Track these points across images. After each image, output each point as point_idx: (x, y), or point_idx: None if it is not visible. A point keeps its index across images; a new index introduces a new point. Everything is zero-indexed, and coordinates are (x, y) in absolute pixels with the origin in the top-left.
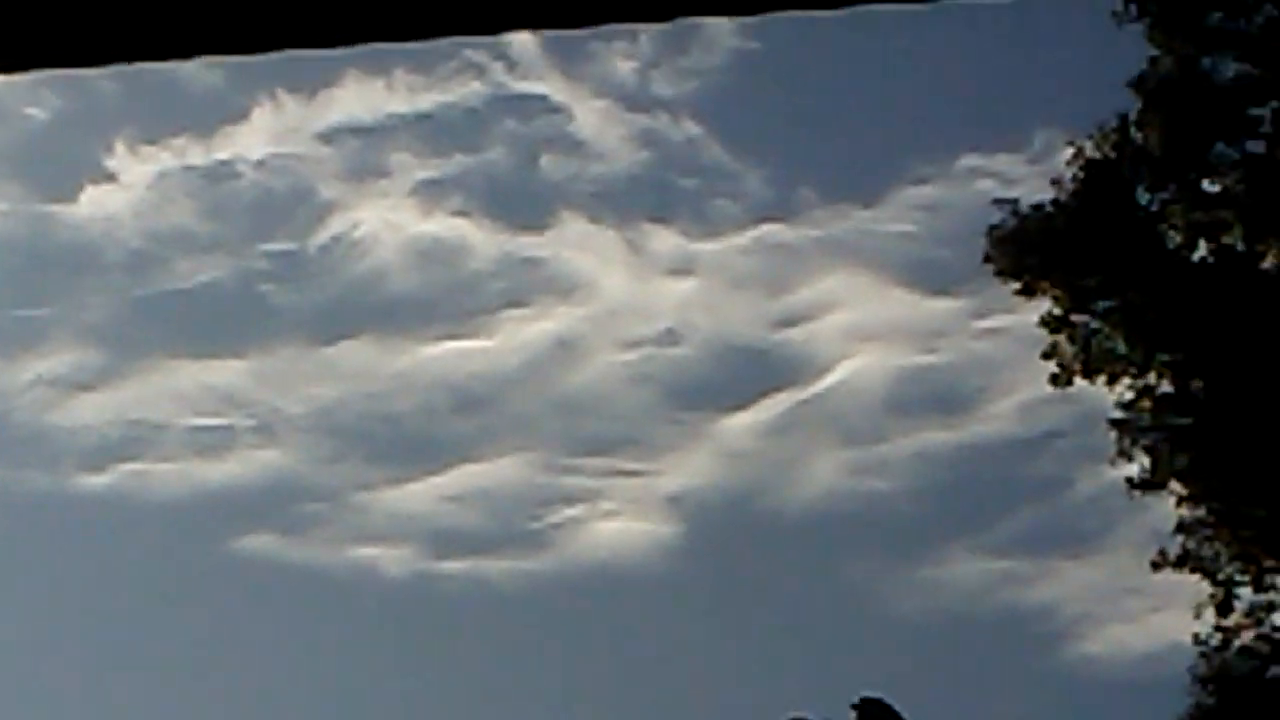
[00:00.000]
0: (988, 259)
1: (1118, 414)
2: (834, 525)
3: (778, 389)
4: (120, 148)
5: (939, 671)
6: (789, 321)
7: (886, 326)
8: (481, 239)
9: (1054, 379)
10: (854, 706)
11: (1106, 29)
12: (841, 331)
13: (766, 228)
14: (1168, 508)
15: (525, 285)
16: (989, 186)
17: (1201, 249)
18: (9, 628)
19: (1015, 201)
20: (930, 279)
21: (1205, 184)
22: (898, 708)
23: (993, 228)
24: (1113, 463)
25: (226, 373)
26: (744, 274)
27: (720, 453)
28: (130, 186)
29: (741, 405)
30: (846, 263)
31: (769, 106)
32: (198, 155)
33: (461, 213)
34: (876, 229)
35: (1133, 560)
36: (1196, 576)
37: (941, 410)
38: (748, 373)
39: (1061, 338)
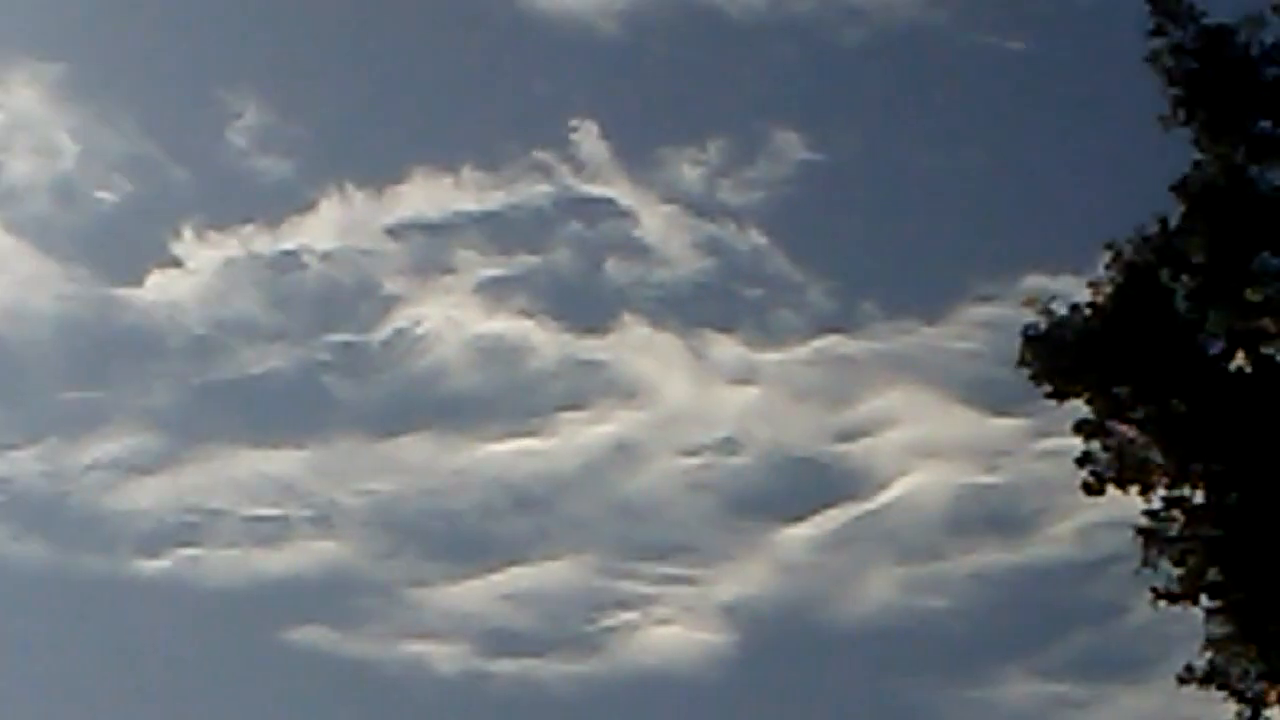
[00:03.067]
0: (1021, 361)
1: (1145, 523)
2: (888, 641)
3: (836, 502)
4: (188, 233)
5: None
6: (849, 435)
7: (947, 444)
8: (544, 339)
9: (1086, 487)
10: None
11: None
12: (902, 447)
13: (829, 339)
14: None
15: (586, 387)
16: (1053, 307)
17: (1240, 359)
18: (61, 709)
19: (1048, 302)
20: (992, 398)
21: (1247, 293)
22: None
23: (1026, 328)
24: (1137, 572)
25: (285, 462)
26: (805, 385)
27: (776, 564)
28: (196, 272)
29: (799, 517)
30: (908, 378)
31: (834, 219)
32: (264, 244)
33: (525, 312)
34: (939, 345)
35: (1189, 688)
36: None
37: (1000, 530)
38: (806, 484)
39: (1095, 444)
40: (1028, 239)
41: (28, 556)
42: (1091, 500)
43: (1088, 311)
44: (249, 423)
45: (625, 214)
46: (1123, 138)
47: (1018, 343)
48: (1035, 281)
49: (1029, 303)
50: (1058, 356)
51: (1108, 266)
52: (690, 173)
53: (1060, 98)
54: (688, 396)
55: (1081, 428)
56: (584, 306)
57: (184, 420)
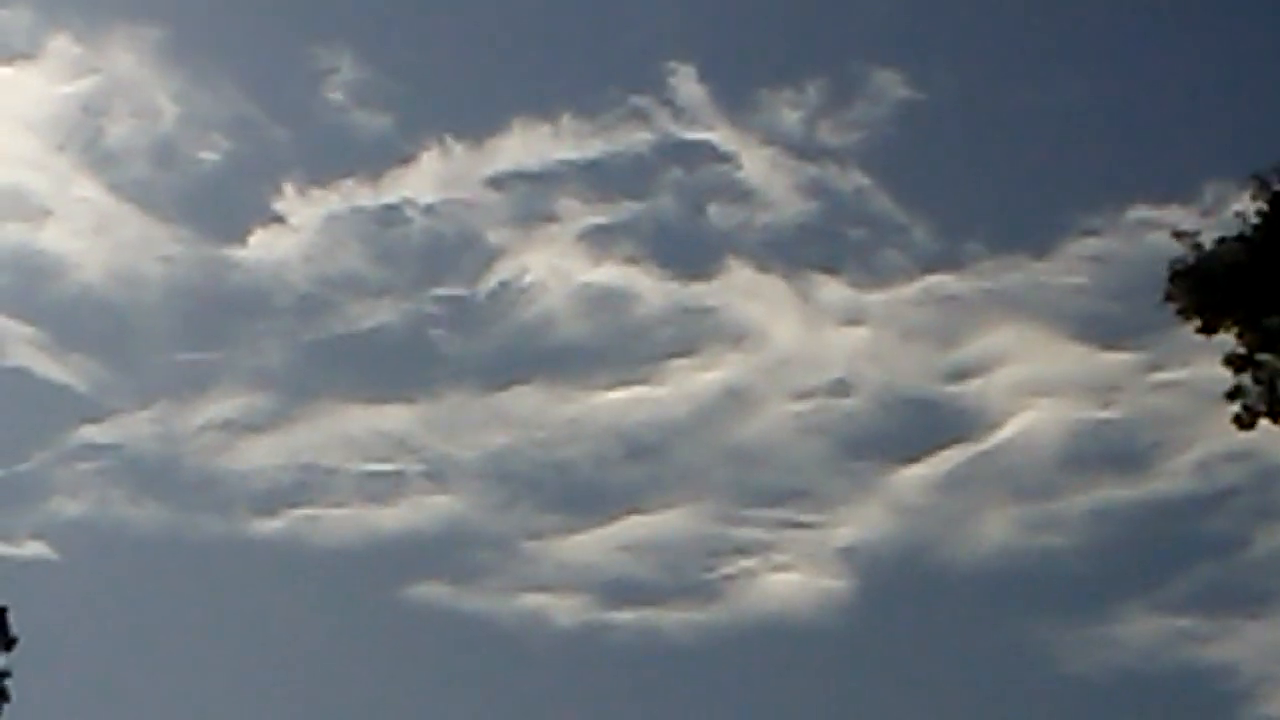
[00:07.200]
0: (1168, 296)
1: None
2: (1008, 581)
3: (951, 442)
4: (289, 190)
5: None
6: (961, 374)
7: (1060, 380)
8: (650, 286)
9: (1237, 420)
10: None
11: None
12: (1014, 385)
13: (936, 278)
14: None
15: (694, 333)
16: (1160, 239)
17: None
18: (182, 670)
19: (1196, 235)
20: (1103, 332)
21: None
22: None
23: (1173, 263)
24: None
25: (397, 418)
26: (914, 325)
27: (893, 505)
28: (299, 229)
29: (914, 458)
30: (1017, 315)
31: (936, 157)
32: (366, 198)
33: (630, 260)
34: (1047, 281)
35: None
36: None
37: (1117, 466)
38: (920, 425)
39: (1246, 377)
40: (1131, 171)
41: (144, 519)
42: (1207, 431)
43: (1235, 244)
44: (359, 379)
45: (726, 158)
46: (1225, 67)
47: (1127, 275)
48: (1141, 213)
49: (1177, 235)
50: (1206, 290)
51: (1253, 197)
52: (790, 114)
53: (1160, 28)
54: (796, 339)
55: (1231, 361)
56: (688, 252)
57: (294, 378)
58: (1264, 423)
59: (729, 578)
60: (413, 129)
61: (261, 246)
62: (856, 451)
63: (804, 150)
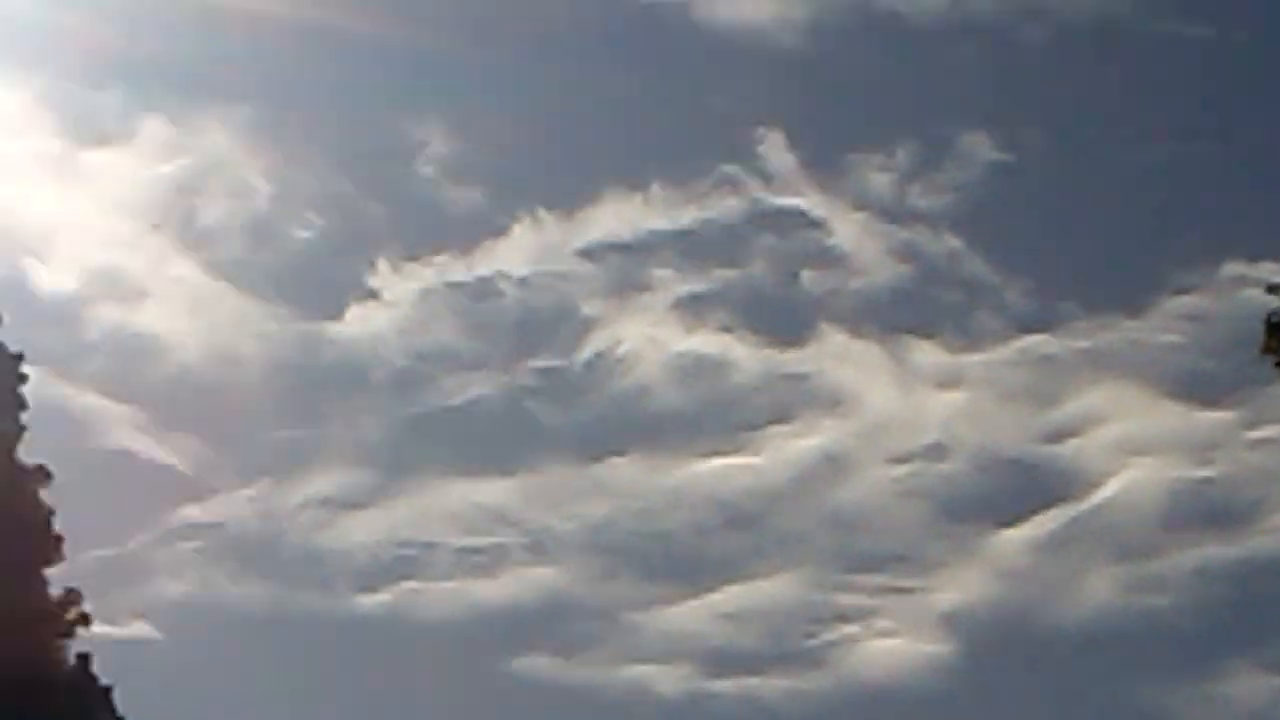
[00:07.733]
0: (1265, 349)
1: None
2: (1112, 642)
3: (1050, 503)
4: (383, 266)
5: None
6: (1058, 435)
7: (1158, 439)
8: (744, 354)
9: None
10: None
11: None
12: (1112, 444)
13: (1031, 339)
14: None
15: (790, 400)
16: (1254, 295)
17: None
18: None
19: None
20: (1199, 390)
21: None
22: None
23: (1270, 315)
24: None
25: (496, 491)
26: (1010, 386)
27: (994, 569)
28: (394, 304)
29: (1014, 520)
30: (1113, 374)
31: (1027, 218)
32: (460, 272)
33: (724, 328)
34: (1142, 339)
35: None
36: None
37: (1218, 524)
38: (1019, 487)
39: None
40: (1224, 228)
41: (246, 597)
42: None
43: None
44: (457, 452)
45: (817, 224)
46: None
47: (1222, 332)
48: (1234, 269)
49: (1271, 289)
50: None
51: None
52: (879, 179)
53: (1245, 83)
54: (892, 403)
55: None
56: (782, 318)
57: (393, 453)
58: None
59: (830, 644)
60: (504, 202)
61: (357, 322)
62: (956, 515)
63: (895, 214)
